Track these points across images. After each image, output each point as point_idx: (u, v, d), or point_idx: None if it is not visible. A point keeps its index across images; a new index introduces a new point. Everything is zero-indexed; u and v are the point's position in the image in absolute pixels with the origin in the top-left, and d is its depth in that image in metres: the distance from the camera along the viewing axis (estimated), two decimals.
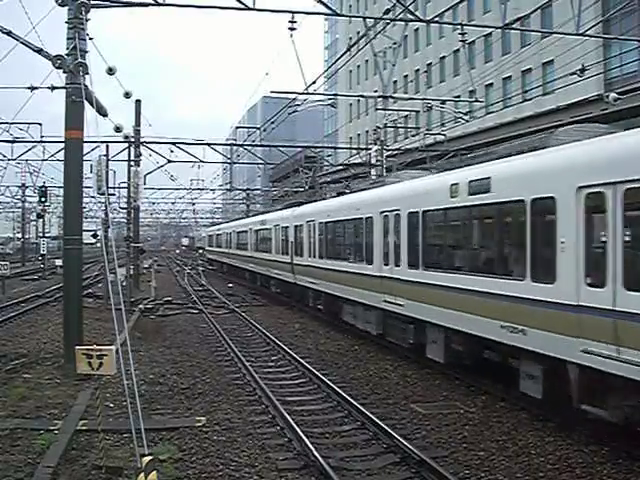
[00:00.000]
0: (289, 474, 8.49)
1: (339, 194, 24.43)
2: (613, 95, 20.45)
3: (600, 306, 8.79)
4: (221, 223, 68.54)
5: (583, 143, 9.97)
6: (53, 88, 17.57)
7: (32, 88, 21.02)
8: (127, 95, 16.07)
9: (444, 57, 53.83)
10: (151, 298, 29.68)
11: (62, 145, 17.64)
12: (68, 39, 13.67)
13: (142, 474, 6.32)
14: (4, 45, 14.60)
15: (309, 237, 23.83)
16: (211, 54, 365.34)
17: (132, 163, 31.72)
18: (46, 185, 45.67)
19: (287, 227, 27.57)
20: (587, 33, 17.15)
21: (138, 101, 34.18)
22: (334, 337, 19.85)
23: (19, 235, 74.07)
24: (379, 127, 32.17)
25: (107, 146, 29.24)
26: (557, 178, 9.95)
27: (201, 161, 37.25)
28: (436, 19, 19.98)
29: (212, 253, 62.08)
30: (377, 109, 33.36)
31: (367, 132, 61.51)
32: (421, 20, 17.23)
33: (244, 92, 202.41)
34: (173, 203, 74.94)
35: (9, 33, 14.08)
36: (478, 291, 11.78)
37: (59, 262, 40.16)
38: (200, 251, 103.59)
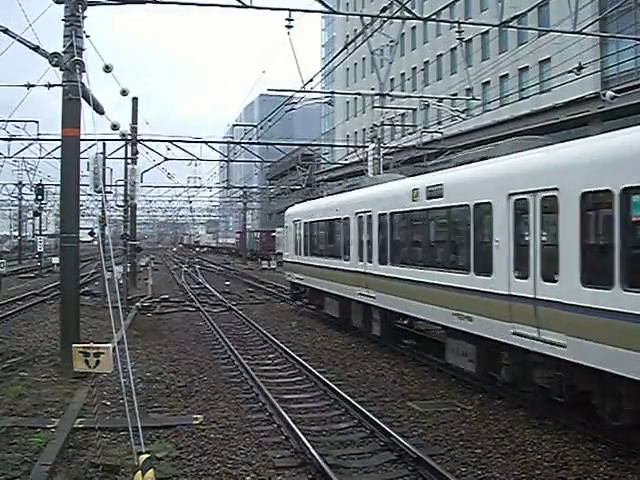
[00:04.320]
0: (286, 472, 8.49)
1: None
2: (610, 93, 20.55)
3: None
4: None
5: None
6: (50, 86, 17.59)
7: (29, 86, 21.01)
8: (124, 93, 16.05)
9: (441, 55, 53.84)
10: (148, 296, 29.67)
11: (59, 143, 17.61)
12: (65, 37, 13.62)
13: (139, 472, 6.32)
14: (1, 43, 14.57)
15: None
16: (211, 52, 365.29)
17: (129, 161, 31.70)
18: (43, 183, 45.60)
19: None
20: (584, 31, 17.16)
21: (135, 99, 34.21)
22: (331, 335, 19.85)
23: (16, 233, 74.07)
24: (376, 125, 32.16)
25: (104, 144, 29.16)
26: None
27: (198, 159, 37.30)
28: (433, 17, 19.92)
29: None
30: (374, 107, 33.36)
31: (364, 130, 61.55)
32: (418, 18, 17.21)
33: (242, 90, 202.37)
34: (170, 201, 75.14)
35: (6, 31, 14.04)
36: None
37: (56, 260, 40.21)
38: (198, 249, 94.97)
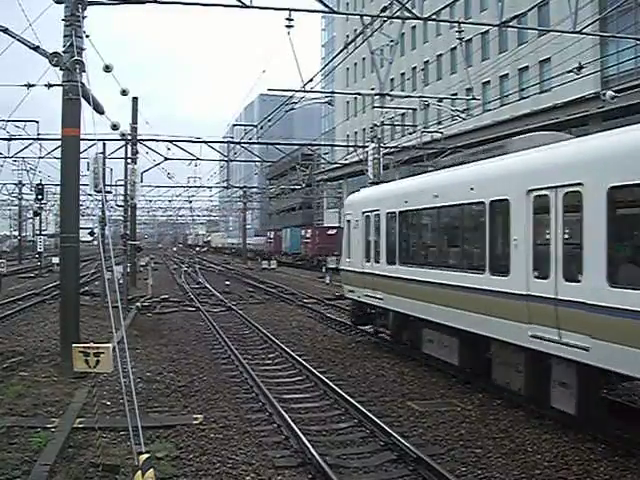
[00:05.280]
0: (286, 472, 8.49)
1: None
2: (610, 93, 20.52)
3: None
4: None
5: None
6: (50, 86, 17.57)
7: (29, 85, 21.00)
8: (124, 92, 16.05)
9: (441, 55, 53.81)
10: (148, 296, 29.67)
11: (59, 143, 17.61)
12: (65, 36, 13.62)
13: (139, 472, 6.31)
14: (1, 42, 14.57)
15: None
16: (211, 52, 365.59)
17: (129, 161, 31.70)
18: (43, 183, 45.63)
19: None
20: (584, 31, 17.15)
21: (135, 99, 34.21)
22: (331, 335, 19.86)
23: (16, 233, 74.13)
24: (376, 125, 32.15)
25: (104, 144, 29.16)
26: None
27: (198, 159, 37.31)
28: (433, 17, 19.96)
29: None
30: (374, 107, 33.38)
31: (364, 130, 61.53)
32: (418, 18, 17.21)
33: (242, 90, 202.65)
34: (170, 201, 75.22)
35: (5, 30, 14.04)
36: None
37: (56, 260, 40.21)
38: (198, 249, 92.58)
